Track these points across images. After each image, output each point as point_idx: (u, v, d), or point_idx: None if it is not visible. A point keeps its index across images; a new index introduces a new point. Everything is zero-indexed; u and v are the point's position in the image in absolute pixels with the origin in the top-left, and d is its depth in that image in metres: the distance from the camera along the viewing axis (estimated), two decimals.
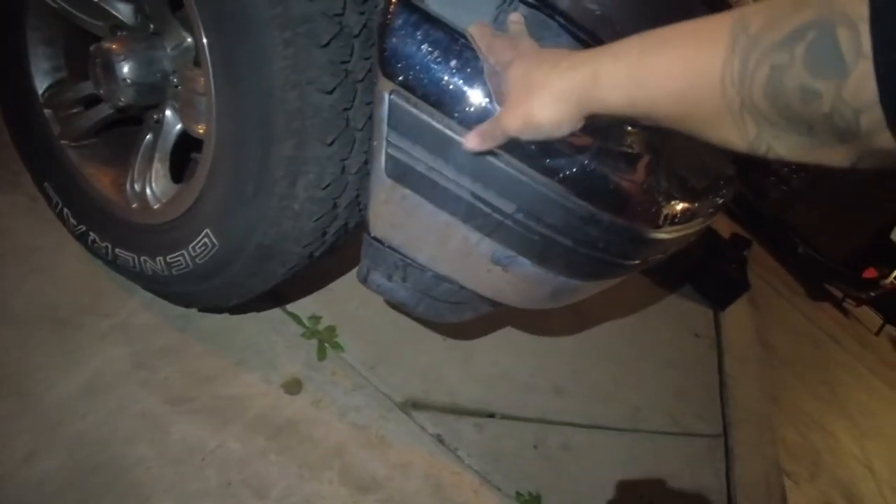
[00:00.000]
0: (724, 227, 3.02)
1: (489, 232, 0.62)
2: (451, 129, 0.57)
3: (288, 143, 0.69)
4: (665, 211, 0.60)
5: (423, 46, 0.56)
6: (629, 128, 0.66)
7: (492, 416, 1.22)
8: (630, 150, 0.59)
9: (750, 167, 3.79)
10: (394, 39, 0.56)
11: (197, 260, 0.88)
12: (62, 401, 0.89)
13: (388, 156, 0.60)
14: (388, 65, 0.57)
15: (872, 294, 3.54)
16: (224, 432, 0.96)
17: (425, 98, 0.56)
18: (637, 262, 0.66)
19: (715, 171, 0.75)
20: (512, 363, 1.38)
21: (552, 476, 1.19)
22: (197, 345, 1.06)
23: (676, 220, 0.62)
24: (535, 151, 0.56)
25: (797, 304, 3.15)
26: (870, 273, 3.55)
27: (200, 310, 1.06)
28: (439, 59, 0.56)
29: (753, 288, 2.53)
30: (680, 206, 0.62)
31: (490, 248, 0.63)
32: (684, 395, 1.68)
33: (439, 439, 1.12)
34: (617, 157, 0.58)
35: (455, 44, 0.56)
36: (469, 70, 0.56)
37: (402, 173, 0.61)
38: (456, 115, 0.56)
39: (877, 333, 3.66)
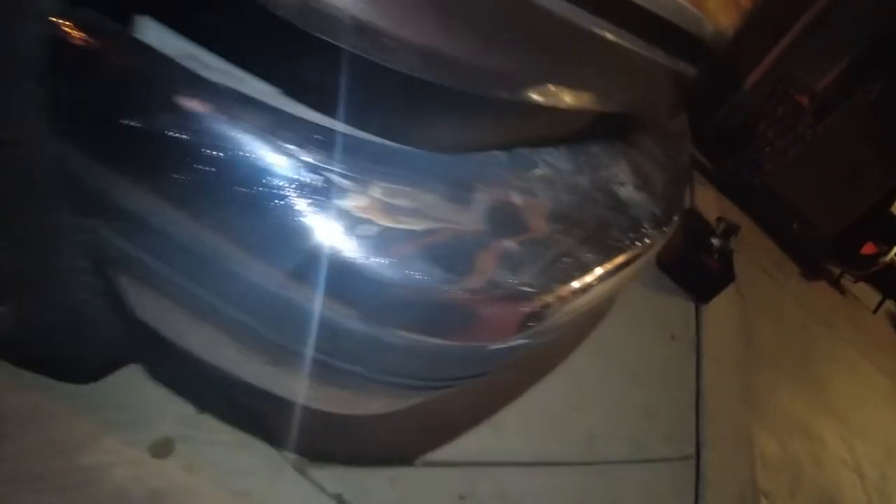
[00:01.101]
0: (712, 208, 2.81)
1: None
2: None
3: None
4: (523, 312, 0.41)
5: None
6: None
7: (410, 464, 1.06)
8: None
9: (743, 140, 3.53)
10: None
11: None
12: None
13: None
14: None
15: (871, 270, 3.37)
16: None
17: None
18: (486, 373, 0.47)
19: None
20: None
21: None
22: (60, 405, 0.88)
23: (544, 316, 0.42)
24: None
25: (789, 287, 2.96)
26: (868, 248, 3.38)
27: None
28: None
29: (742, 272, 2.35)
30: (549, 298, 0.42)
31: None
32: (652, 413, 1.52)
33: (339, 500, 0.95)
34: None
35: None
36: None
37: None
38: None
39: (875, 311, 3.49)
